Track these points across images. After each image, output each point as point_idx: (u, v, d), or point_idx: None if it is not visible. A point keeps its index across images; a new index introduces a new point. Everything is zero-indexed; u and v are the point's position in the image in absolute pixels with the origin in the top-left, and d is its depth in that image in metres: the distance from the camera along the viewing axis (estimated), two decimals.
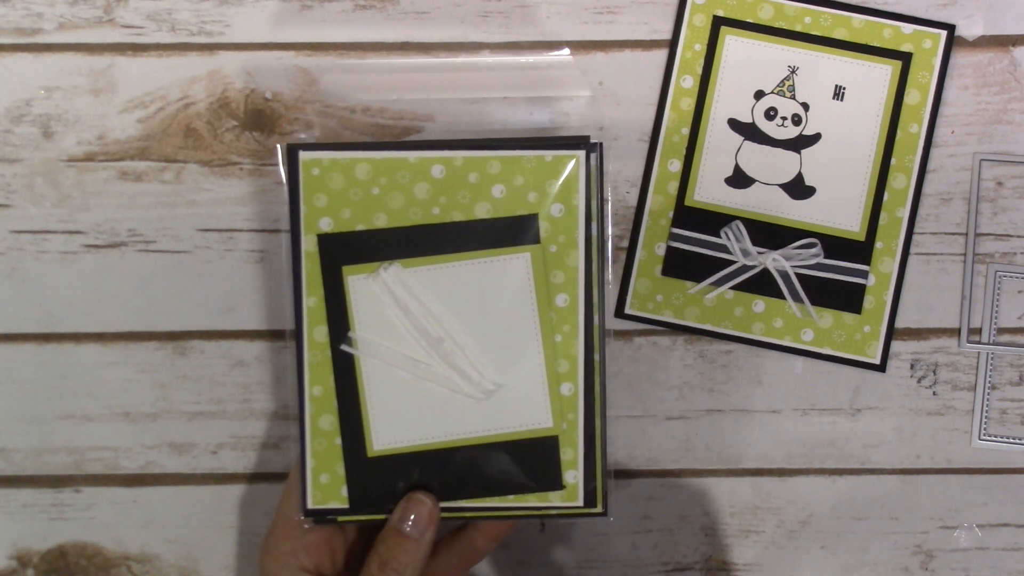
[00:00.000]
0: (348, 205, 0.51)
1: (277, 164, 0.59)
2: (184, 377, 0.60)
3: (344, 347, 0.51)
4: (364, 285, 0.51)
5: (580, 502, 0.52)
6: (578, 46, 0.60)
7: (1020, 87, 0.60)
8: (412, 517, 0.50)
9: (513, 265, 0.51)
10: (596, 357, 0.52)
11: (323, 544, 0.52)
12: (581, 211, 0.51)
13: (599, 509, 0.52)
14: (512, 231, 0.51)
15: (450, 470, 0.52)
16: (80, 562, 0.60)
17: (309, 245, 0.51)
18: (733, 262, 0.59)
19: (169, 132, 0.59)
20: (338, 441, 0.51)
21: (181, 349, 0.60)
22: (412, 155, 0.51)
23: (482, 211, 0.51)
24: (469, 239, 0.51)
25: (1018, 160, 0.60)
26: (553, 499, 0.52)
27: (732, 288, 0.59)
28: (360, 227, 0.51)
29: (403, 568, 0.50)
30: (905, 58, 0.59)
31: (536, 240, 0.51)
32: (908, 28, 0.59)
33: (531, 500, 0.52)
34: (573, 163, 0.51)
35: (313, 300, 0.51)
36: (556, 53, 0.59)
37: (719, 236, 0.59)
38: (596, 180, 0.51)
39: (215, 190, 0.59)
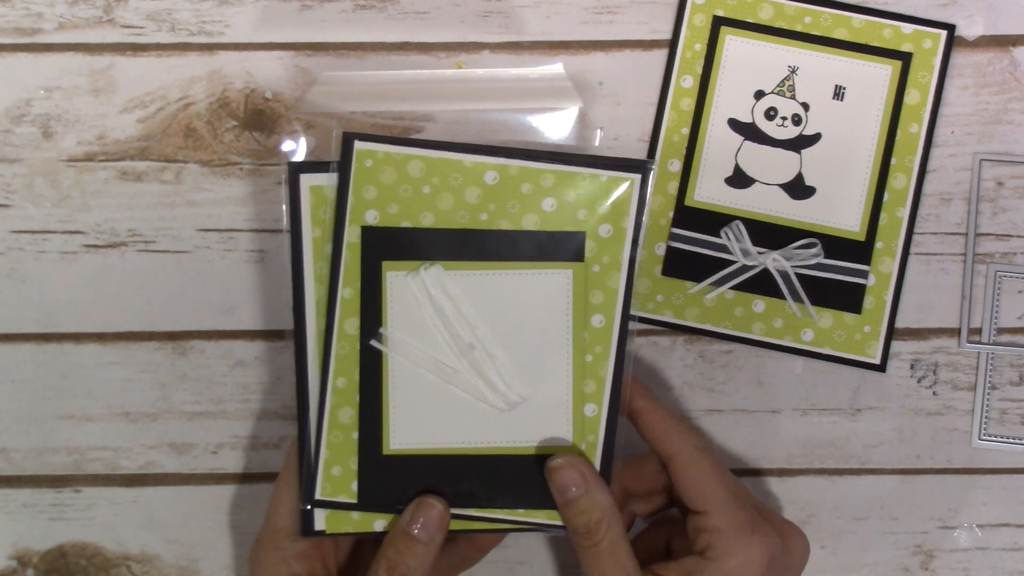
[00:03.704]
0: (397, 201, 0.50)
1: (281, 163, 0.59)
2: (184, 377, 0.60)
3: (374, 342, 0.51)
4: (403, 283, 0.50)
5: None
6: (578, 46, 0.60)
7: (1020, 87, 0.60)
8: (422, 520, 0.50)
9: (554, 281, 0.51)
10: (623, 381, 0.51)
11: (314, 552, 0.52)
12: (629, 234, 0.51)
13: None
14: (557, 246, 0.51)
15: (463, 478, 0.51)
16: (80, 562, 0.60)
17: (352, 236, 0.50)
18: (733, 262, 0.59)
19: (169, 132, 0.59)
20: (355, 435, 0.51)
21: (181, 349, 0.60)
22: (467, 158, 0.50)
23: (530, 223, 0.51)
24: (513, 249, 0.50)
25: (1018, 160, 0.60)
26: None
27: (732, 288, 0.59)
28: (406, 224, 0.50)
29: (411, 572, 0.49)
30: (905, 58, 0.59)
31: (580, 258, 0.51)
32: (908, 28, 0.59)
33: (539, 516, 0.52)
34: (627, 185, 0.51)
35: (349, 292, 0.51)
36: (549, 66, 0.59)
37: (719, 236, 0.59)
38: (643, 204, 0.51)
39: (215, 190, 0.59)
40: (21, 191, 0.59)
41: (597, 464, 0.52)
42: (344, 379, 0.51)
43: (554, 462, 0.50)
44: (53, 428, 0.60)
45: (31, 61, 0.59)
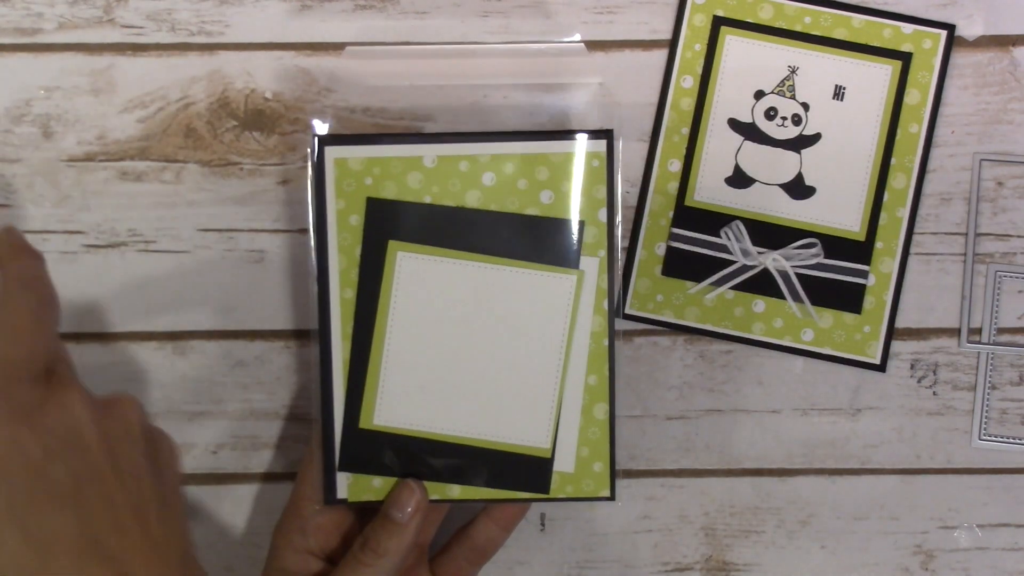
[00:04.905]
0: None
1: (282, 163, 0.59)
2: (184, 377, 0.60)
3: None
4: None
5: (607, 493, 0.53)
6: None
7: (1020, 87, 0.60)
8: (399, 503, 0.51)
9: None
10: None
11: (332, 528, 0.53)
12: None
13: (607, 493, 0.53)
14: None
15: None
16: None
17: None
18: (733, 262, 0.59)
19: (169, 132, 0.59)
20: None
21: (181, 349, 0.60)
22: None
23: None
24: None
25: (1018, 160, 0.60)
26: (565, 489, 0.52)
27: (732, 288, 0.59)
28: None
29: (384, 551, 0.50)
30: (905, 58, 0.59)
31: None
32: (908, 28, 0.59)
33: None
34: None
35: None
36: (568, 40, 0.59)
37: (719, 236, 0.59)
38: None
39: (215, 190, 0.59)
40: (21, 191, 0.59)
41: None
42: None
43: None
44: None
45: (31, 61, 0.59)
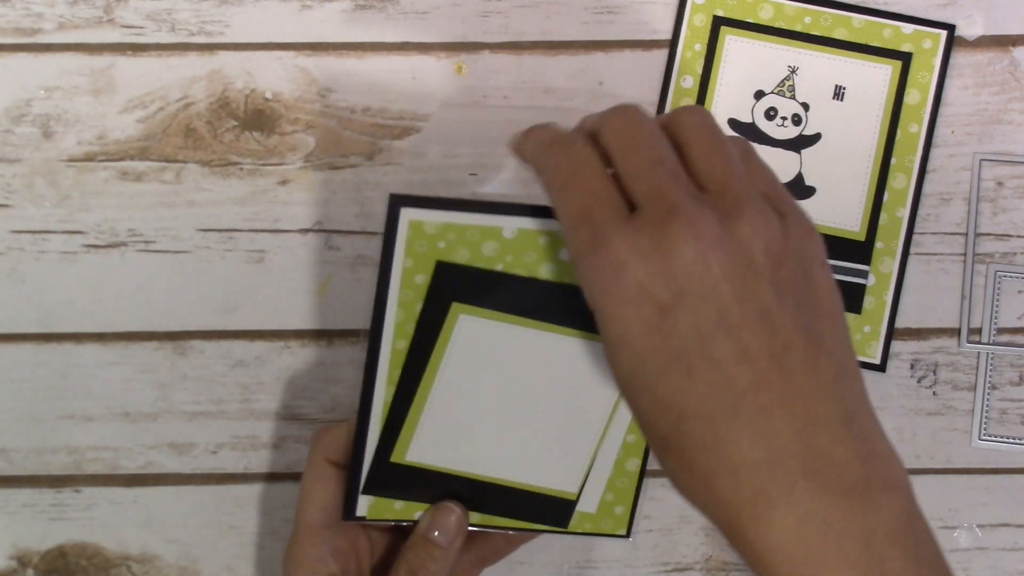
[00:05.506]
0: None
1: (283, 163, 0.59)
2: (184, 377, 0.60)
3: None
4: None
5: (624, 532, 0.53)
6: (578, 46, 0.60)
7: (1020, 87, 0.60)
8: (441, 525, 0.50)
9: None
10: None
11: (349, 549, 0.52)
12: None
13: (624, 532, 0.53)
14: None
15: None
16: (80, 562, 0.60)
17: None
18: None
19: (169, 132, 0.59)
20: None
21: (181, 349, 0.60)
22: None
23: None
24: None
25: (1018, 160, 0.60)
26: (584, 525, 0.52)
27: None
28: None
29: (431, 575, 0.49)
30: (905, 58, 0.59)
31: None
32: (908, 28, 0.59)
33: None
34: None
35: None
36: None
37: None
38: None
39: (215, 190, 0.59)
40: (21, 191, 0.59)
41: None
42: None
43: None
44: (53, 428, 0.60)
45: (31, 61, 0.59)
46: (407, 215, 0.46)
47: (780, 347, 0.38)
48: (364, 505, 0.51)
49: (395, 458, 0.50)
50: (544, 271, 0.47)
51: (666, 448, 0.40)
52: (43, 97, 0.59)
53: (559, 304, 0.48)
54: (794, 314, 0.39)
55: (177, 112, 0.59)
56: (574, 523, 0.52)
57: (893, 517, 0.39)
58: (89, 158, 0.59)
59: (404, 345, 0.48)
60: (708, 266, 0.38)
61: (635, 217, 0.39)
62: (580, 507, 0.52)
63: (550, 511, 0.52)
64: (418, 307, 0.48)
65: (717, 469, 0.38)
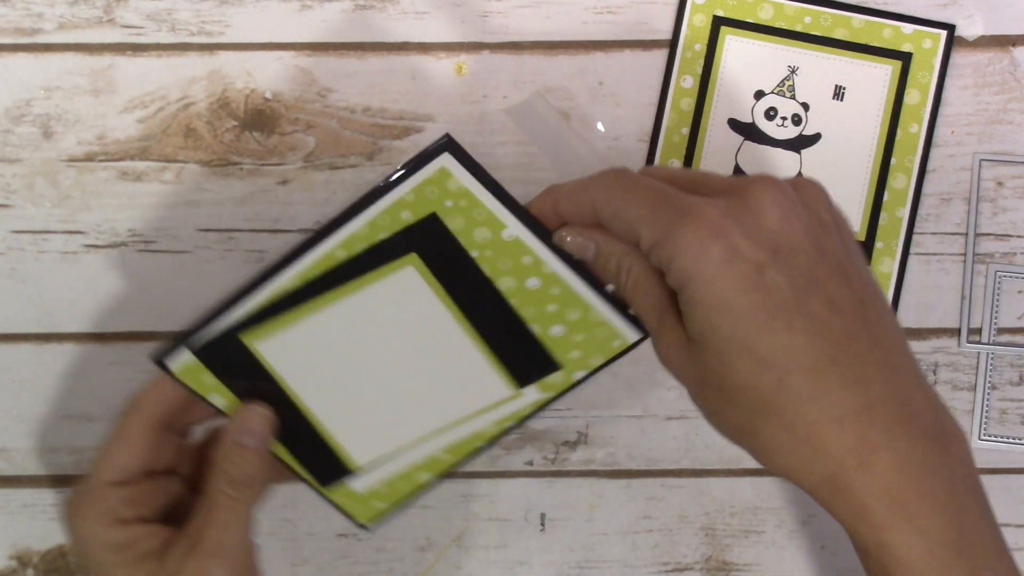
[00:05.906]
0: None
1: (280, 164, 0.59)
2: None
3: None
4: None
5: (366, 523, 0.52)
6: (578, 46, 0.60)
7: (1020, 87, 0.60)
8: (247, 427, 0.48)
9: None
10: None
11: (140, 497, 0.48)
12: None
13: (366, 523, 0.52)
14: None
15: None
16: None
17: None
18: None
19: (169, 132, 0.59)
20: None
21: None
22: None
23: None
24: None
25: (1018, 160, 0.60)
26: (341, 498, 0.52)
27: None
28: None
29: (250, 478, 0.48)
30: (905, 58, 0.59)
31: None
32: (908, 28, 0.59)
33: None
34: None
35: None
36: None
37: None
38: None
39: (215, 190, 0.59)
40: (21, 191, 0.59)
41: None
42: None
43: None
44: (53, 428, 0.60)
45: (31, 61, 0.59)
46: (444, 160, 0.45)
47: (858, 300, 0.41)
48: (180, 360, 0.48)
49: (246, 338, 0.48)
50: (504, 284, 0.47)
51: (765, 412, 0.41)
52: (43, 97, 0.59)
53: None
54: (860, 269, 0.42)
55: (177, 112, 0.59)
56: (336, 491, 0.51)
57: (964, 463, 0.42)
58: (89, 158, 0.59)
59: (343, 256, 0.47)
60: (791, 223, 0.41)
61: (713, 194, 0.42)
62: (351, 482, 0.51)
63: (329, 471, 0.51)
64: (381, 236, 0.47)
65: (821, 419, 0.40)
